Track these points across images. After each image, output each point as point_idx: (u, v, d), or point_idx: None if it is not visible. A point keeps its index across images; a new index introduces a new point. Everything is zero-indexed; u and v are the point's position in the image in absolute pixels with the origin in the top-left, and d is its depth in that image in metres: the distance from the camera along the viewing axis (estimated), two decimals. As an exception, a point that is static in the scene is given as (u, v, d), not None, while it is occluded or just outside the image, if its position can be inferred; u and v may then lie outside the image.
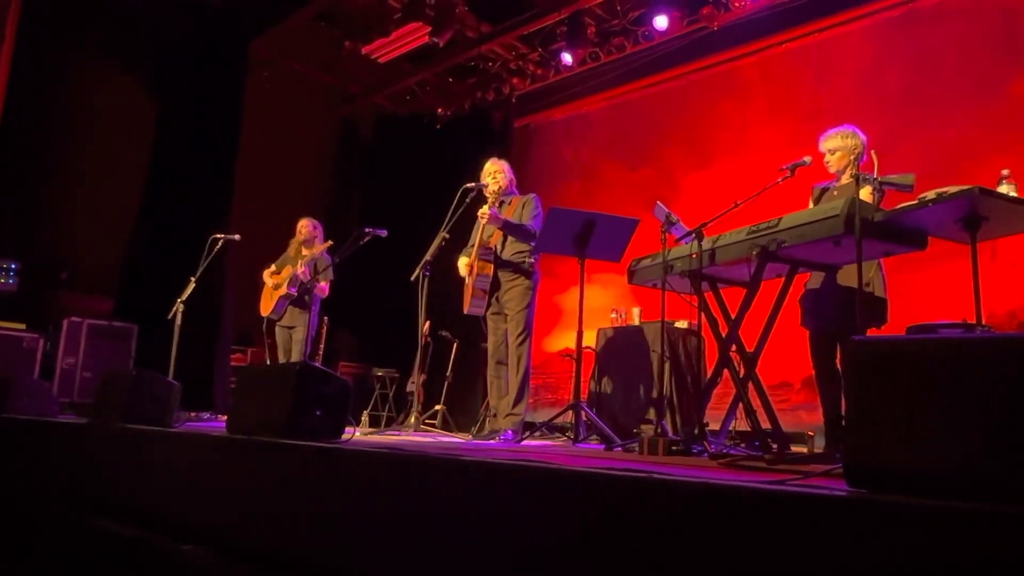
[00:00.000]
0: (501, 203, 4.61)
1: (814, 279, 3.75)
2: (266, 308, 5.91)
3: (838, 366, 3.66)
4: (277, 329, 5.91)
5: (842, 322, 3.48)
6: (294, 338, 5.81)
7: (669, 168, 7.38)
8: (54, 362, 6.55)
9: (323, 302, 5.95)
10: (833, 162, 3.69)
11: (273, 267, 6.00)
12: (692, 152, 7.24)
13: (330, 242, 5.74)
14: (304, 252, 5.85)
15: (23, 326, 6.43)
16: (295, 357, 5.74)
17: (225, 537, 2.37)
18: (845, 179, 3.68)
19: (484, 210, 4.41)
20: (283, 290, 5.76)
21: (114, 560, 2.61)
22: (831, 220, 2.96)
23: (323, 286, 5.73)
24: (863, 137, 3.66)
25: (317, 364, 3.02)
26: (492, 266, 4.41)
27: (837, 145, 3.67)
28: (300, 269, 5.67)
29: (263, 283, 6.01)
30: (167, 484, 2.82)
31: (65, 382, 6.56)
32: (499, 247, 4.47)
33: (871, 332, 3.41)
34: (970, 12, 5.71)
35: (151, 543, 2.47)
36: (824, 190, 3.80)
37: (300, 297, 5.74)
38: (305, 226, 5.99)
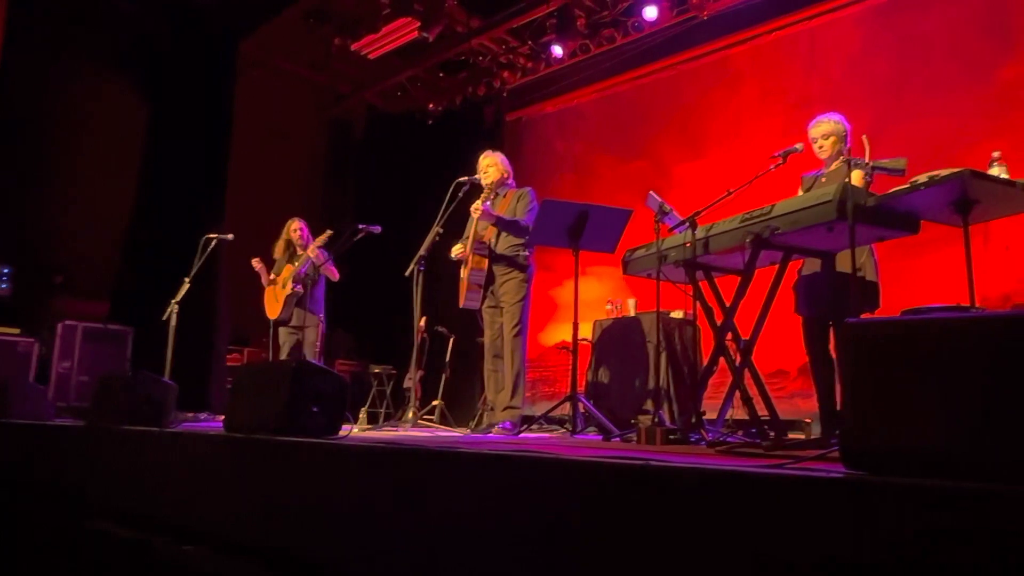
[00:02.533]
0: (496, 196, 4.60)
1: (807, 266, 3.76)
2: (273, 311, 5.88)
3: (832, 352, 3.67)
4: (281, 331, 5.89)
5: (835, 308, 3.49)
6: (306, 339, 5.80)
7: (661, 158, 7.38)
8: (49, 366, 6.53)
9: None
10: (827, 147, 3.70)
11: (272, 274, 5.99)
12: (684, 142, 7.24)
13: (329, 232, 5.75)
14: (300, 252, 5.85)
15: (17, 331, 6.41)
16: (308, 357, 5.73)
17: (225, 536, 2.37)
18: (835, 165, 3.70)
19: (476, 205, 4.40)
20: (288, 289, 5.76)
21: (114, 563, 2.61)
22: (824, 206, 2.97)
23: (333, 270, 5.78)
24: (847, 125, 3.70)
25: (313, 361, 3.02)
26: (486, 260, 4.41)
27: (831, 130, 3.68)
28: (311, 252, 5.66)
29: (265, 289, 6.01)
30: (166, 485, 2.81)
31: (61, 386, 6.54)
32: (493, 241, 4.46)
33: (864, 317, 3.41)
34: (958, -3, 5.72)
35: (151, 545, 2.47)
36: (815, 179, 3.81)
37: (305, 293, 5.76)
38: (296, 228, 5.98)
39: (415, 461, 1.86)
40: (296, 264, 5.75)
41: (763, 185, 3.56)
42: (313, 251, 5.67)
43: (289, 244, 5.99)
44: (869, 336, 1.30)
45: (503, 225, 4.42)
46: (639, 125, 7.68)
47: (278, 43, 8.43)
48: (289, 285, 5.74)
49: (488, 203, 4.43)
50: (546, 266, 6.62)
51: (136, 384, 3.63)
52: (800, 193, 3.79)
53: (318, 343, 5.75)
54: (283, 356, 5.89)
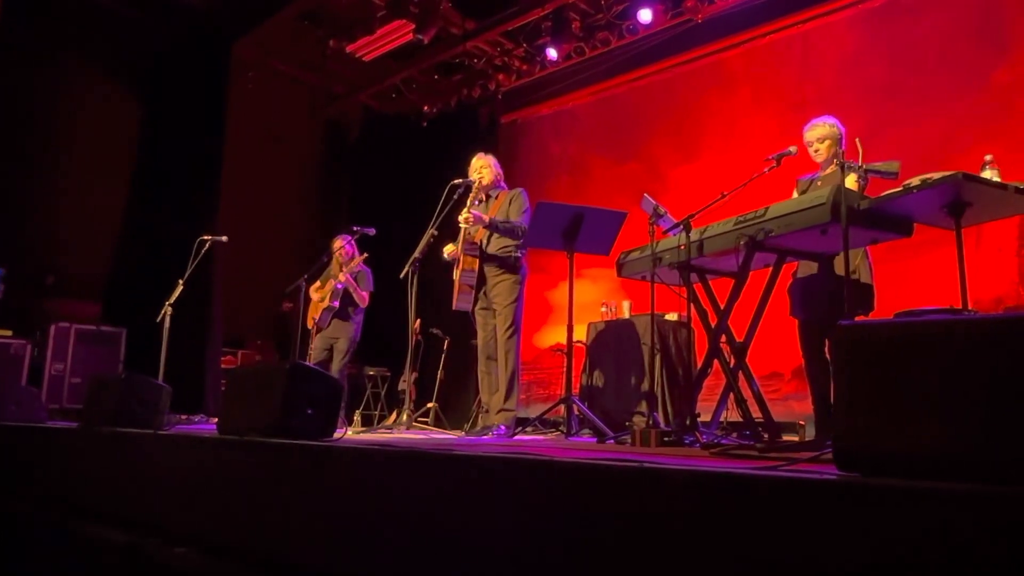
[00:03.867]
0: (488, 197, 4.61)
1: (802, 269, 3.77)
2: (310, 320, 6.07)
3: (826, 355, 3.67)
4: (317, 338, 6.04)
5: (830, 310, 3.50)
6: (336, 348, 5.97)
7: (656, 161, 7.39)
8: (42, 368, 6.51)
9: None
10: (822, 150, 3.71)
11: (318, 283, 6.07)
12: (678, 144, 7.25)
13: (365, 255, 5.94)
14: (345, 269, 5.97)
15: (10, 332, 6.39)
16: (336, 364, 5.90)
17: (218, 539, 2.36)
18: (830, 169, 3.71)
19: (465, 214, 4.40)
20: (326, 303, 5.91)
21: (106, 566, 2.60)
22: (817, 209, 2.98)
23: (363, 295, 5.92)
24: (842, 128, 3.71)
25: (309, 364, 3.01)
26: (477, 261, 4.41)
27: (825, 133, 3.70)
28: (342, 278, 5.87)
29: (309, 298, 6.12)
30: (158, 488, 2.80)
31: (54, 388, 6.53)
32: (484, 242, 4.46)
33: (858, 319, 3.42)
34: (949, 2, 5.74)
35: (143, 548, 2.46)
36: (811, 182, 3.82)
37: (343, 308, 5.93)
38: (339, 247, 6.08)
39: (409, 464, 1.86)
40: (334, 280, 5.93)
41: (757, 188, 3.57)
42: (343, 276, 5.87)
43: (338, 263, 6.08)
44: (862, 338, 1.31)
45: (495, 229, 4.42)
46: (634, 128, 7.69)
47: (273, 45, 8.42)
48: (328, 299, 5.91)
49: (476, 209, 4.44)
50: (541, 268, 6.63)
51: (129, 386, 3.61)
52: (795, 196, 3.80)
53: (347, 355, 5.97)
54: (315, 358, 6.03)
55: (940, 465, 1.16)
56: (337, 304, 5.92)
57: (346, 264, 5.94)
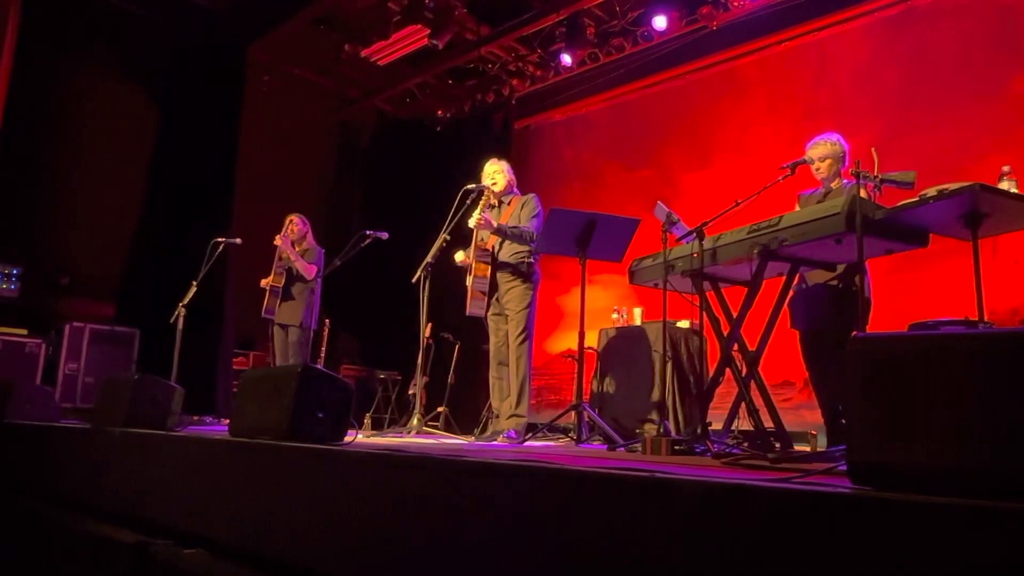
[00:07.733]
0: (500, 203, 4.61)
1: (810, 280, 3.75)
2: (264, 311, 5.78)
3: (833, 365, 3.65)
4: (275, 329, 5.75)
5: (829, 322, 3.49)
6: (288, 340, 5.64)
7: (669, 168, 7.38)
8: (56, 367, 6.56)
9: (325, 303, 5.91)
10: (824, 168, 3.70)
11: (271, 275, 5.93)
12: (692, 152, 7.24)
13: (290, 218, 5.70)
14: (296, 248, 5.75)
15: (24, 332, 6.45)
16: (291, 356, 5.59)
17: (226, 541, 2.37)
18: (835, 184, 3.69)
19: (476, 215, 4.40)
20: (271, 282, 5.65)
21: (117, 566, 2.61)
22: (832, 218, 2.96)
23: (308, 266, 5.59)
24: (846, 145, 3.70)
25: (319, 367, 3.02)
26: (489, 267, 4.41)
27: (828, 152, 3.68)
28: (277, 241, 5.55)
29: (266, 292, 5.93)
30: (169, 489, 2.81)
31: (67, 387, 6.58)
32: (496, 248, 4.46)
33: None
34: (967, 10, 5.71)
35: (152, 548, 2.47)
36: (810, 197, 3.80)
37: (287, 288, 5.61)
38: (294, 222, 5.83)
39: (419, 469, 1.86)
40: (279, 247, 5.67)
41: (771, 196, 3.56)
42: (278, 240, 5.55)
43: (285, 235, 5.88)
44: (875, 351, 1.29)
45: (503, 234, 4.42)
46: (647, 134, 7.69)
47: (288, 48, 8.47)
48: (272, 278, 5.64)
49: (487, 213, 4.44)
50: (553, 274, 6.63)
51: (142, 386, 3.63)
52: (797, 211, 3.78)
53: (302, 345, 5.54)
54: (277, 354, 5.72)
55: (956, 480, 1.15)
56: (280, 284, 5.57)
57: (297, 242, 5.69)
